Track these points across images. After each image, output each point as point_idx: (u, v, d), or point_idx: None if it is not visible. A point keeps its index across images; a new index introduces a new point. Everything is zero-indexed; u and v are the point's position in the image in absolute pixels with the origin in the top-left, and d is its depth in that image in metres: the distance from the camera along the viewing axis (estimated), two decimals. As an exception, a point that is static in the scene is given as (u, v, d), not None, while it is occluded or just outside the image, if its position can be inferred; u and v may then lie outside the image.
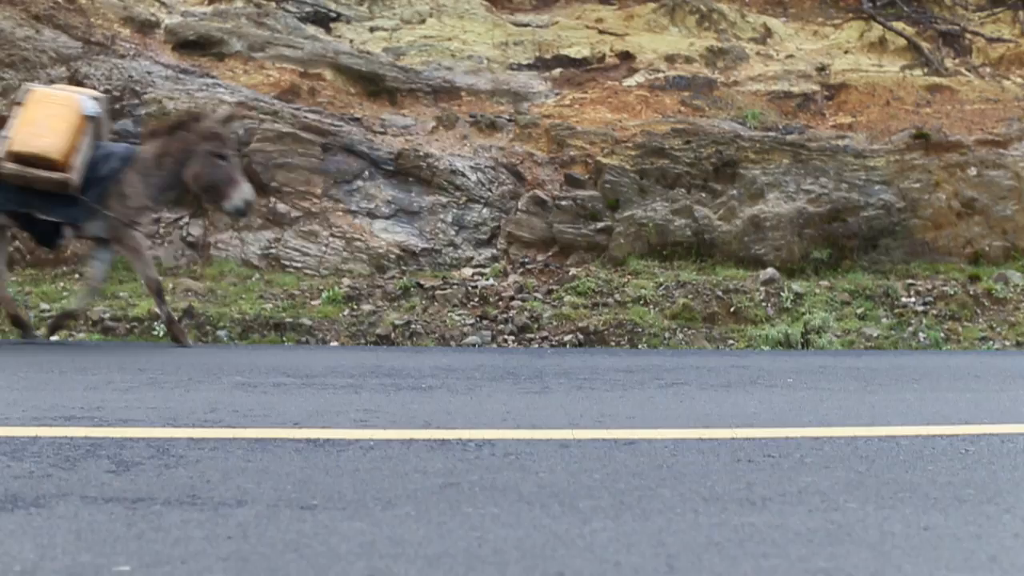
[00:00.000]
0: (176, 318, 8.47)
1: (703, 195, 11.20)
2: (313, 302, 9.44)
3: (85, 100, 8.11)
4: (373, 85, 12.24)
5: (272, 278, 9.95)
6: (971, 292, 10.21)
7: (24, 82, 10.32)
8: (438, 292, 9.70)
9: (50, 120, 7.88)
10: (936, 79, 13.49)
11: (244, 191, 8.19)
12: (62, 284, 9.71)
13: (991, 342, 9.43)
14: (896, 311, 9.88)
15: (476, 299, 9.66)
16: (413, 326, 9.04)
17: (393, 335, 8.93)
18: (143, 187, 8.15)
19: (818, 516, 3.22)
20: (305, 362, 7.10)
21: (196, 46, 12.12)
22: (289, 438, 4.24)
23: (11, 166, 7.79)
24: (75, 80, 10.73)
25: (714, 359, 7.96)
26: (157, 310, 8.40)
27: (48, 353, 7.46)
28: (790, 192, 11.18)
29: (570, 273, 10.29)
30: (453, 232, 10.84)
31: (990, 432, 4.74)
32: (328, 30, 13.17)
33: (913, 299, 10.08)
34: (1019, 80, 13.95)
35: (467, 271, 10.40)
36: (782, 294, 9.88)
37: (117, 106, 10.69)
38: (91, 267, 8.45)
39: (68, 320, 8.60)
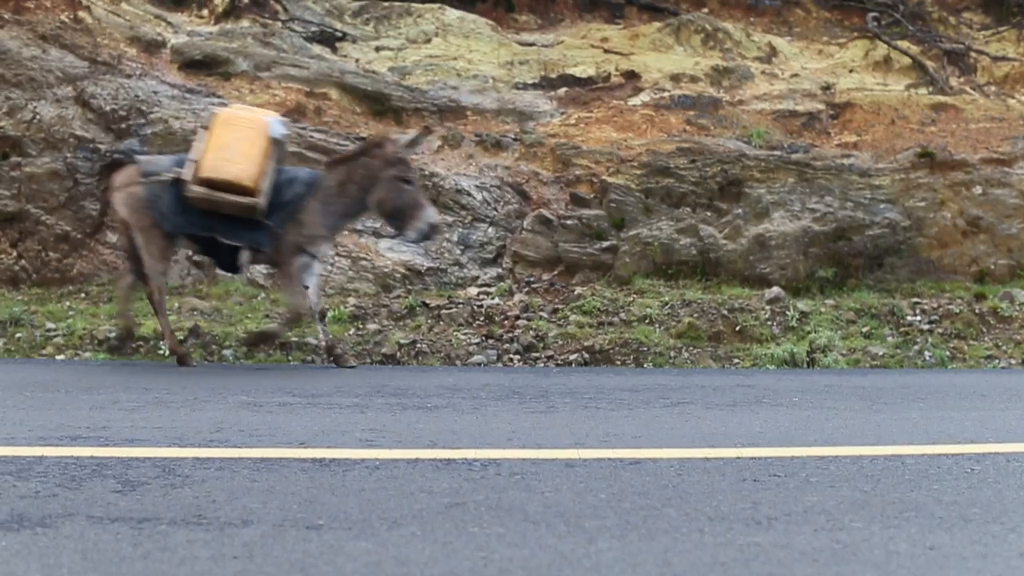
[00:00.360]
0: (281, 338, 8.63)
1: (708, 214, 11.20)
2: (319, 321, 9.45)
3: (272, 122, 8.14)
4: (379, 104, 12.26)
5: (278, 297, 9.95)
6: (977, 310, 10.19)
7: (29, 102, 10.38)
8: (444, 311, 9.71)
9: (240, 144, 7.87)
10: (941, 98, 13.50)
11: (429, 214, 8.21)
12: (68, 303, 9.72)
13: (997, 360, 9.42)
14: (902, 330, 9.87)
15: (482, 318, 9.66)
16: (419, 345, 9.04)
17: (399, 354, 8.93)
18: (321, 215, 8.15)
19: (824, 536, 3.22)
20: (311, 381, 7.11)
21: (202, 66, 12.15)
22: (295, 458, 4.25)
23: (199, 190, 7.80)
24: (81, 100, 10.77)
25: (719, 378, 7.96)
26: (273, 328, 8.55)
27: (53, 373, 7.47)
28: (795, 211, 11.17)
29: (575, 292, 10.29)
30: (459, 251, 10.85)
31: (996, 451, 4.74)
32: (334, 50, 13.21)
33: (919, 317, 10.07)
34: (1024, 99, 13.98)
35: (472, 290, 10.40)
36: (787, 313, 9.87)
37: (123, 125, 10.73)
38: (284, 295, 8.46)
39: (264, 340, 8.64)
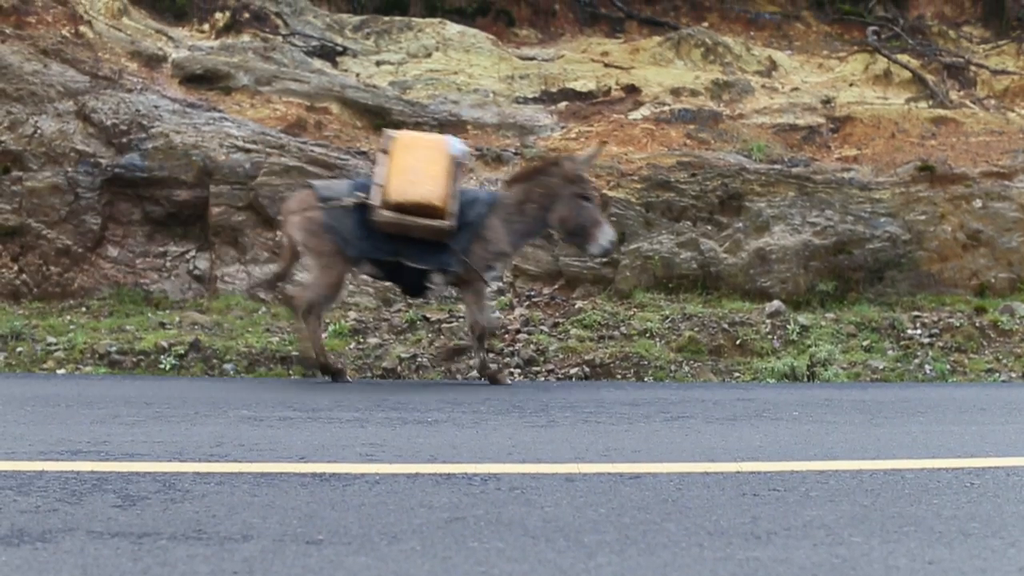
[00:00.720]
0: (492, 364, 8.58)
1: (709, 228, 11.22)
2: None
3: (453, 144, 8.16)
4: (379, 119, 12.28)
5: (279, 311, 9.96)
6: (977, 324, 10.20)
7: (30, 117, 10.40)
8: (444, 325, 9.71)
9: (426, 166, 7.88)
10: (941, 111, 13.52)
11: (608, 232, 8.27)
12: (68, 317, 9.73)
13: (997, 374, 9.42)
14: (902, 343, 9.87)
15: (482, 332, 9.66)
16: (419, 359, 9.05)
17: (399, 368, 8.94)
18: (504, 233, 8.18)
19: (823, 550, 3.22)
20: (311, 396, 7.11)
21: (203, 80, 12.18)
22: (295, 472, 4.25)
23: (388, 214, 7.80)
24: (82, 114, 10.79)
25: (720, 392, 7.96)
26: (473, 353, 8.52)
27: (54, 387, 7.47)
28: (796, 225, 11.19)
29: (576, 306, 10.30)
30: (459, 265, 10.85)
31: (996, 465, 4.74)
32: (334, 64, 13.24)
33: (919, 331, 10.07)
34: (1024, 112, 14.00)
35: (473, 304, 10.41)
36: (788, 327, 9.88)
37: (124, 140, 10.75)
38: (471, 315, 8.38)
39: (484, 371, 8.55)
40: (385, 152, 8.02)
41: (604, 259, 9.54)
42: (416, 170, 7.82)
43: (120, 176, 10.64)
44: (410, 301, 10.20)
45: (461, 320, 9.77)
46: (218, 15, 13.32)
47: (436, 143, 8.17)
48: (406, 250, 7.96)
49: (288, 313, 9.01)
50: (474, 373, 8.75)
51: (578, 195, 8.20)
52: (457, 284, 8.32)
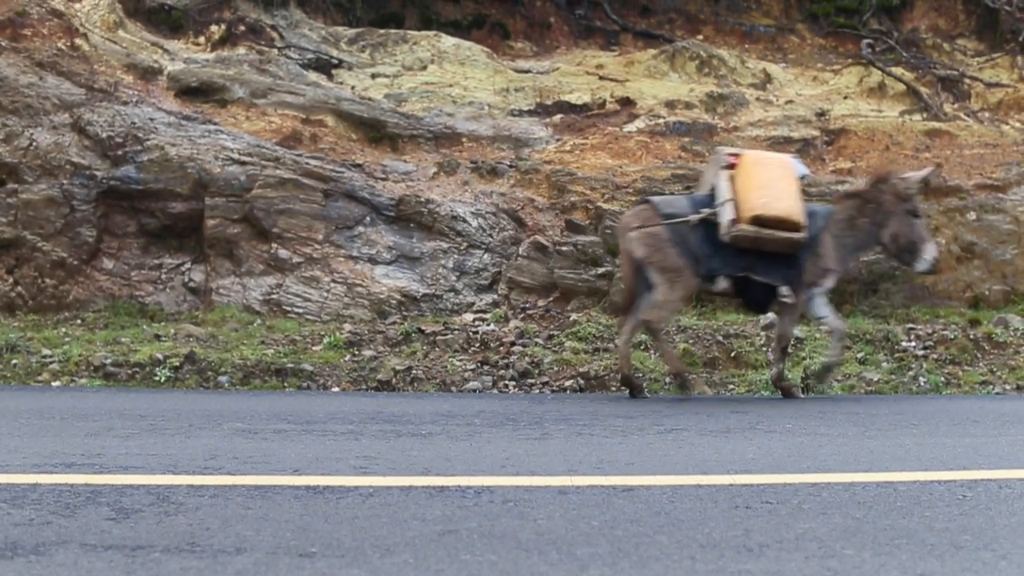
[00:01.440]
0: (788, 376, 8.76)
1: (703, 240, 11.22)
2: (314, 348, 9.46)
3: (796, 162, 8.39)
4: (374, 131, 12.31)
5: (273, 324, 9.97)
6: (971, 336, 10.21)
7: (26, 129, 10.40)
8: (439, 337, 9.72)
9: (779, 183, 8.07)
10: (935, 124, 13.55)
11: (932, 249, 8.48)
12: (64, 330, 9.73)
13: (991, 386, 9.42)
14: (896, 355, 9.88)
15: (477, 344, 9.67)
16: (414, 372, 9.04)
17: (394, 381, 8.93)
18: (833, 249, 8.35)
19: (815, 563, 3.23)
20: (306, 408, 7.12)
21: (198, 93, 12.19)
22: (289, 485, 4.26)
23: (748, 228, 7.91)
24: (78, 127, 10.80)
25: (713, 404, 7.97)
26: (774, 364, 8.68)
27: (49, 399, 7.47)
28: (790, 237, 11.19)
29: (571, 318, 10.30)
30: (454, 278, 10.87)
31: (988, 478, 4.75)
32: (330, 76, 13.26)
33: (913, 343, 10.09)
34: (1018, 125, 14.02)
35: (468, 316, 10.42)
36: (782, 339, 9.88)
37: (120, 152, 10.76)
38: (780, 326, 8.59)
39: (828, 374, 8.82)
40: (727, 168, 8.19)
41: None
42: (774, 186, 8.01)
43: (115, 188, 10.65)
44: (404, 313, 10.21)
45: (457, 332, 9.77)
46: (214, 28, 13.34)
47: (785, 161, 8.42)
48: (756, 264, 8.13)
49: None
50: (470, 385, 8.76)
51: (909, 212, 8.39)
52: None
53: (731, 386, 9.23)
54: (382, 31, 14.23)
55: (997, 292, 11.38)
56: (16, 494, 4.00)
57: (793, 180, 8.14)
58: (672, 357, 8.55)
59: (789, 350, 8.76)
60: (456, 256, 10.98)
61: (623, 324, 8.52)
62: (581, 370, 9.16)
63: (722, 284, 8.25)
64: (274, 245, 10.65)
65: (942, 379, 9.45)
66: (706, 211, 8.10)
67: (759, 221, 7.87)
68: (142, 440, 5.45)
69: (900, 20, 15.92)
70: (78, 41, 11.98)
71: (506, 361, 9.32)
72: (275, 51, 13.24)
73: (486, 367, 9.21)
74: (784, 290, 8.20)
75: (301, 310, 10.40)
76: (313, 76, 13.05)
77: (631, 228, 8.30)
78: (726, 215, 7.97)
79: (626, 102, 13.47)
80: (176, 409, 6.90)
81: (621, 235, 8.53)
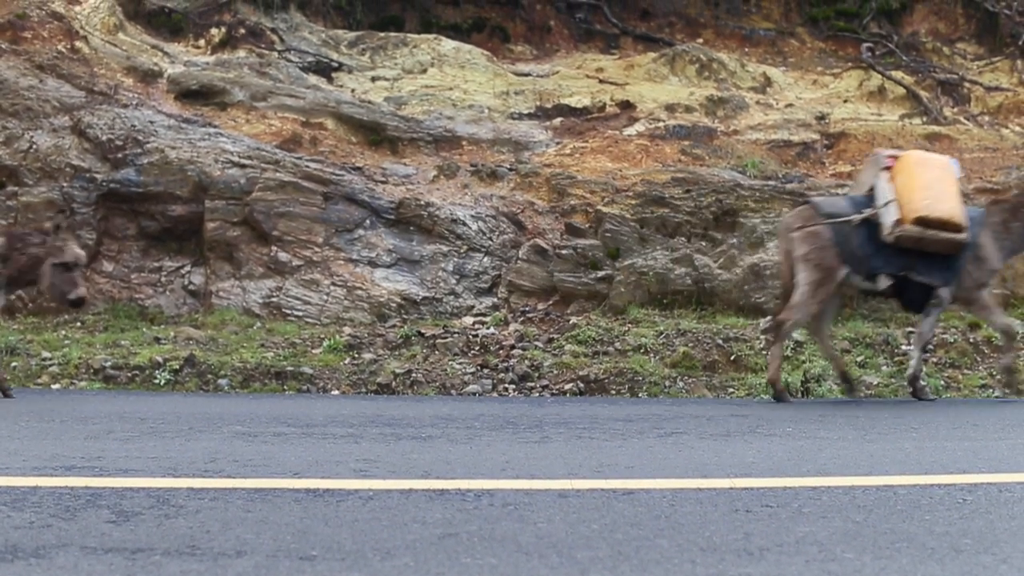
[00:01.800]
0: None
1: (703, 244, 11.23)
2: (314, 351, 9.46)
3: (954, 163, 8.51)
4: (374, 134, 12.31)
5: (273, 327, 9.97)
6: (971, 340, 10.21)
7: (26, 132, 10.39)
8: (439, 341, 9.72)
9: (941, 184, 8.19)
10: (935, 128, 13.56)
11: None
12: (64, 332, 9.73)
13: (991, 390, 9.42)
14: (896, 359, 9.88)
15: (477, 348, 9.67)
16: (414, 375, 9.04)
17: (394, 384, 8.93)
18: (995, 250, 8.52)
19: (815, 566, 3.22)
20: (306, 411, 7.11)
21: (198, 96, 12.20)
22: (289, 488, 4.25)
23: (912, 228, 8.02)
24: (78, 129, 10.80)
25: (714, 408, 7.96)
26: (915, 364, 8.78)
27: (49, 402, 7.47)
28: (790, 240, 11.20)
29: (571, 322, 10.30)
30: (454, 281, 10.87)
31: (988, 481, 4.74)
32: (330, 80, 13.27)
33: (913, 347, 10.08)
34: (1017, 128, 14.02)
35: (468, 320, 10.42)
36: (782, 342, 9.88)
37: (119, 155, 10.76)
38: (922, 325, 8.71)
39: (1012, 375, 8.93)
40: (886, 169, 8.30)
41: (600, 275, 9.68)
42: (937, 187, 8.13)
43: (115, 191, 10.66)
44: (404, 317, 10.22)
45: (456, 335, 9.77)
46: (214, 31, 13.35)
47: (945, 163, 8.53)
48: (917, 264, 8.27)
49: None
50: (470, 388, 8.76)
51: None
52: (964, 303, 8.79)
53: (731, 389, 9.23)
54: (382, 34, 14.24)
55: (997, 296, 11.36)
56: (16, 497, 3.99)
57: (954, 181, 8.27)
58: (776, 365, 8.55)
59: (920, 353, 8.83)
60: (456, 259, 10.98)
61: (792, 330, 8.74)
62: (581, 373, 9.16)
63: (884, 283, 8.38)
64: (274, 248, 10.65)
65: (942, 383, 9.46)
66: (868, 211, 8.22)
67: (923, 222, 8.01)
68: (142, 443, 5.45)
69: (900, 24, 15.93)
70: (78, 44, 11.99)
71: (506, 364, 9.33)
72: (275, 54, 13.25)
73: (486, 370, 9.21)
74: (944, 291, 8.36)
75: (301, 313, 10.40)
76: (313, 79, 13.06)
77: (793, 228, 8.44)
78: (890, 216, 8.10)
79: (626, 105, 13.48)
80: (176, 412, 6.90)
81: (782, 236, 8.72)
